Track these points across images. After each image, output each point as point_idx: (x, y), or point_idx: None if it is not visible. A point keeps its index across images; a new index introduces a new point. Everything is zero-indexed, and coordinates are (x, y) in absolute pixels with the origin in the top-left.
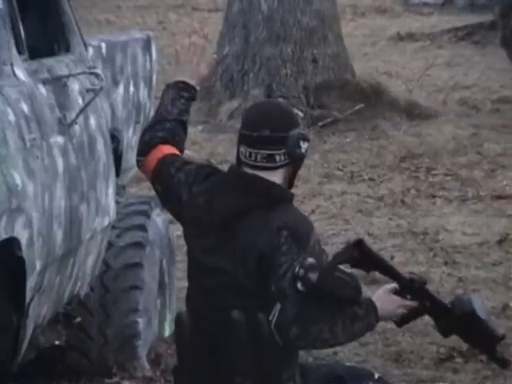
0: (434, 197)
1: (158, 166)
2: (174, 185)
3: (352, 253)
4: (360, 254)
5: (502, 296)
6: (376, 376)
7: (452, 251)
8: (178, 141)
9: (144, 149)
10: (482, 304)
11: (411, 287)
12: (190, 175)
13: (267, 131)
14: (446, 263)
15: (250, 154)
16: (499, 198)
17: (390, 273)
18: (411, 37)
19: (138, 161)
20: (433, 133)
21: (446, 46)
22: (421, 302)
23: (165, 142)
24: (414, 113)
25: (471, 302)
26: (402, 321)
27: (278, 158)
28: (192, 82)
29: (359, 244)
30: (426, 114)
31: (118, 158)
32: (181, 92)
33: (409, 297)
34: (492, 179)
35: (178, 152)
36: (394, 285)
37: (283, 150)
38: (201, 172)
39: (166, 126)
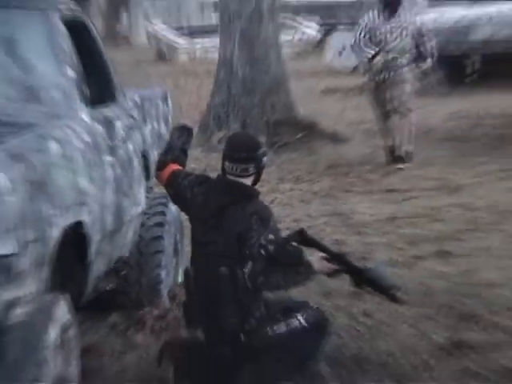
0: (348, 191)
1: (169, 177)
2: (181, 189)
3: (297, 237)
4: (302, 238)
5: (393, 253)
6: (314, 306)
7: (361, 225)
8: (182, 161)
9: (160, 166)
10: (384, 270)
11: (336, 258)
12: (191, 182)
13: (243, 154)
14: (358, 233)
15: (232, 167)
16: (391, 191)
17: (323, 249)
18: (334, 90)
19: (156, 174)
20: (348, 151)
21: (355, 96)
22: (341, 266)
23: (173, 162)
24: (336, 138)
25: (375, 270)
26: (330, 275)
27: (250, 169)
28: (190, 126)
29: (301, 232)
30: (343, 138)
31: (147, 169)
32: (183, 131)
33: (334, 263)
34: (386, 179)
35: (182, 168)
36: (324, 255)
37: (253, 165)
38: (198, 179)
39: (174, 153)
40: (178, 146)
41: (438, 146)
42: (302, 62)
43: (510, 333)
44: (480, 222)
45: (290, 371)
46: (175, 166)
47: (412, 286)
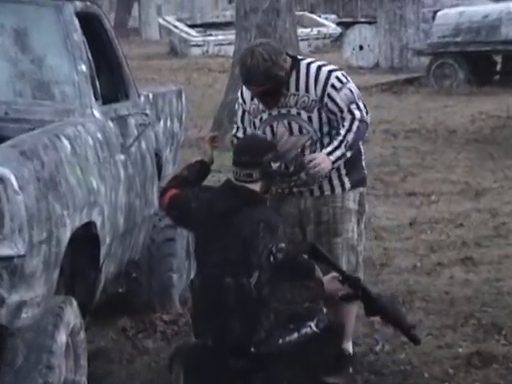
0: (367, 194)
1: (171, 199)
2: (185, 202)
3: (307, 251)
4: (312, 253)
5: (412, 259)
6: (324, 311)
7: (379, 230)
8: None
9: (161, 193)
10: (397, 303)
11: (349, 280)
12: (195, 191)
13: (246, 158)
14: (375, 238)
15: (237, 172)
16: (410, 195)
17: (333, 267)
18: None
19: (158, 201)
20: (367, 152)
21: (375, 94)
22: (354, 291)
23: (175, 188)
24: None
25: (387, 303)
26: (342, 300)
27: (254, 175)
28: (209, 162)
29: (312, 246)
30: None
31: (159, 168)
32: (199, 168)
33: (347, 285)
34: (405, 183)
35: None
36: (337, 274)
37: (258, 170)
38: (203, 187)
39: (178, 180)
40: (187, 179)
41: (462, 148)
42: (319, 58)
43: None
44: (504, 229)
45: (302, 378)
46: (176, 190)
47: (435, 294)
